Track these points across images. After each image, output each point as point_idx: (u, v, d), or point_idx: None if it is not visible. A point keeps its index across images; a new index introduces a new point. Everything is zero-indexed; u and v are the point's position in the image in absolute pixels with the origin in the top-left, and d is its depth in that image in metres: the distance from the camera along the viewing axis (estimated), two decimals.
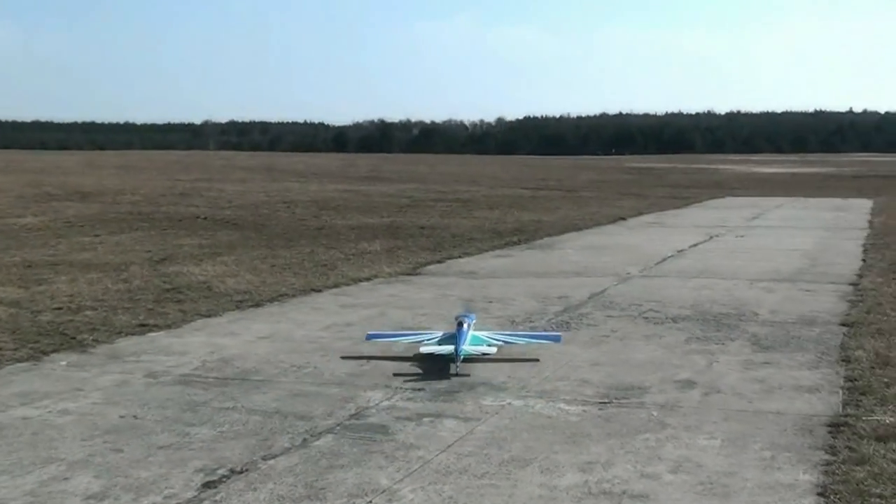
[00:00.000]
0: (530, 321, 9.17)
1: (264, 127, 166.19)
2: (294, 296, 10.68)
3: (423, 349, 7.43)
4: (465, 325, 7.59)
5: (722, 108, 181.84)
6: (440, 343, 7.50)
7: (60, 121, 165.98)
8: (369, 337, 7.96)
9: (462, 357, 7.07)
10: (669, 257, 14.55)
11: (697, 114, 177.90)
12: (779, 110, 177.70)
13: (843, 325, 8.88)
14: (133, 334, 8.33)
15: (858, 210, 26.26)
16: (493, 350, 7.41)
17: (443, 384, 6.68)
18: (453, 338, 7.42)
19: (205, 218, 21.13)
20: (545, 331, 8.51)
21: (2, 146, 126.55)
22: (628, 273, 12.62)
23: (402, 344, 7.78)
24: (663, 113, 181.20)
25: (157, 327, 8.64)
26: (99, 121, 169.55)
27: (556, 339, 7.80)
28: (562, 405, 6.16)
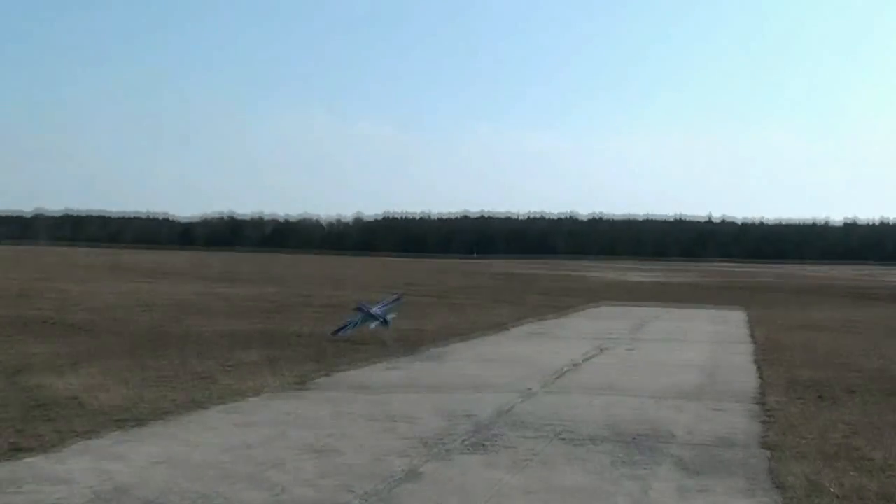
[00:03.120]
0: (441, 442, 9.07)
1: (103, 221, 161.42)
2: (179, 413, 10.25)
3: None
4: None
5: (584, 211, 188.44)
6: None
7: None
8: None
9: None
10: (566, 371, 14.78)
11: (560, 218, 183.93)
12: (640, 216, 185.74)
13: (764, 447, 9.17)
14: (6, 459, 7.77)
15: (736, 322, 27.48)
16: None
17: None
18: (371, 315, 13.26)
19: (54, 322, 20.17)
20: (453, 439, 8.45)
21: None
22: (530, 389, 12.72)
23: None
24: (525, 215, 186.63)
25: (33, 450, 8.10)
26: None
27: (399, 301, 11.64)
28: None
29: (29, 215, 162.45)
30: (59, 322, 20.28)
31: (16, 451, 8.07)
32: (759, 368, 15.83)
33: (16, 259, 63.33)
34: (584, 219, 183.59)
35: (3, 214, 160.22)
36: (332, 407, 10.99)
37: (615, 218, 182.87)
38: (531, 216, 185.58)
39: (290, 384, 12.63)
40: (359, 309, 18.72)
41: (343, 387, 12.67)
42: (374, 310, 18.47)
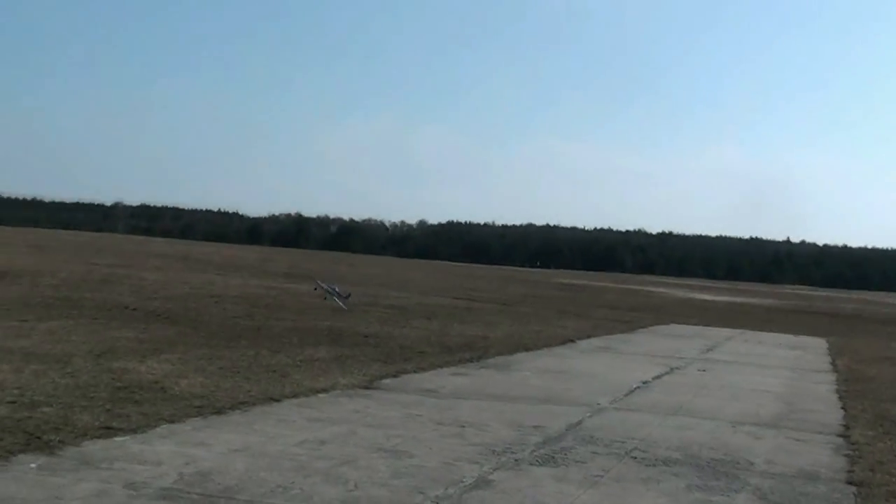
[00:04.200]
0: (511, 451, 9.23)
1: (177, 213, 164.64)
2: (254, 404, 10.60)
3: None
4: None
5: (654, 227, 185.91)
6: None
7: None
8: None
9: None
10: (636, 389, 14.81)
11: (627, 231, 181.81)
12: (713, 234, 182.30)
13: (850, 483, 8.97)
14: (99, 437, 8.17)
15: (815, 350, 26.91)
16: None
17: None
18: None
19: (135, 309, 20.78)
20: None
21: None
22: (599, 404, 12.81)
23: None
24: (592, 228, 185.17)
25: (122, 431, 8.48)
26: (3, 194, 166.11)
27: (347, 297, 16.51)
28: None
29: (108, 205, 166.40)
30: (140, 309, 20.89)
31: (107, 429, 8.46)
32: (841, 399, 15.42)
33: (98, 246, 65.05)
34: (653, 234, 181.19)
35: (85, 203, 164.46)
36: (401, 409, 11.23)
37: (686, 234, 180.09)
38: (598, 229, 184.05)
39: (358, 383, 12.92)
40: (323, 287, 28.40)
41: (411, 390, 12.91)
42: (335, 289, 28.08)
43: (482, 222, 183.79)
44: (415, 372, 14.74)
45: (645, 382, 15.73)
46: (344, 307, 24.20)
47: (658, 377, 16.76)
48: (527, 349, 19.86)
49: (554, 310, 36.91)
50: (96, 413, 9.05)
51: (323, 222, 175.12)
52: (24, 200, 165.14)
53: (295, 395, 11.44)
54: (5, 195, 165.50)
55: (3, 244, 53.18)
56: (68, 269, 33.35)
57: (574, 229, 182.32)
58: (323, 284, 28.62)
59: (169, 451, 7.97)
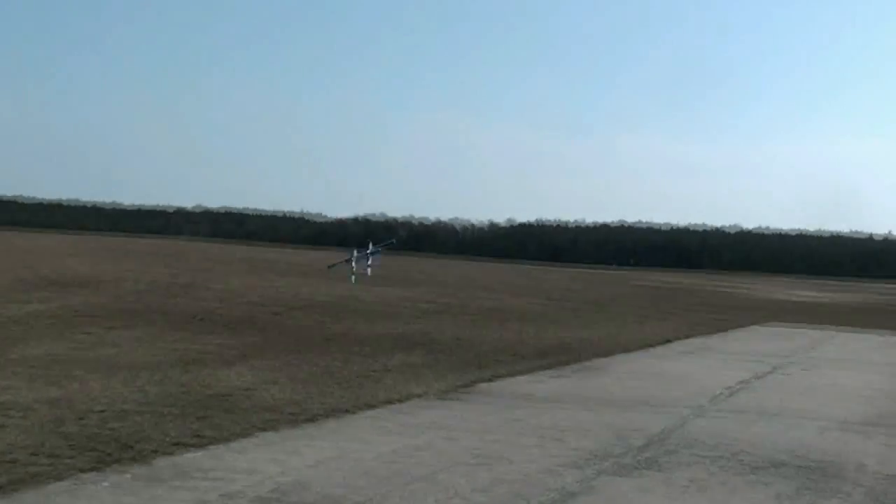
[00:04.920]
0: (613, 456, 9.07)
1: (259, 218, 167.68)
2: (348, 411, 10.63)
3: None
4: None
5: (748, 223, 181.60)
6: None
7: (40, 199, 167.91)
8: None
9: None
10: (738, 390, 14.50)
11: (722, 227, 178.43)
12: (810, 229, 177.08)
13: None
14: (192, 446, 8.26)
15: None
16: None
17: None
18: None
19: (220, 315, 21.11)
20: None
21: None
22: (701, 406, 12.55)
23: None
24: (684, 224, 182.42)
25: (216, 440, 8.56)
26: (83, 200, 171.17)
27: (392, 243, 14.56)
28: None
29: (190, 209, 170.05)
30: (225, 315, 21.21)
31: (200, 437, 8.55)
32: None
33: (179, 252, 66.45)
34: (748, 230, 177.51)
35: (149, 209, 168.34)
36: (499, 414, 11.15)
37: (783, 231, 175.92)
38: (689, 226, 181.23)
39: (454, 388, 12.88)
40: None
41: (507, 394, 12.82)
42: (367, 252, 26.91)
43: (566, 221, 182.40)
44: (510, 376, 14.66)
45: (746, 383, 15.39)
46: (359, 273, 24.28)
47: (760, 377, 16.39)
48: (623, 350, 19.60)
49: (649, 310, 36.39)
50: (188, 422, 9.16)
51: (391, 226, 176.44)
52: (104, 207, 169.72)
53: (389, 401, 11.45)
54: (86, 202, 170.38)
55: (85, 252, 54.73)
56: (151, 275, 34.10)
57: (664, 226, 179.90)
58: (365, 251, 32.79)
59: (264, 459, 8.02)
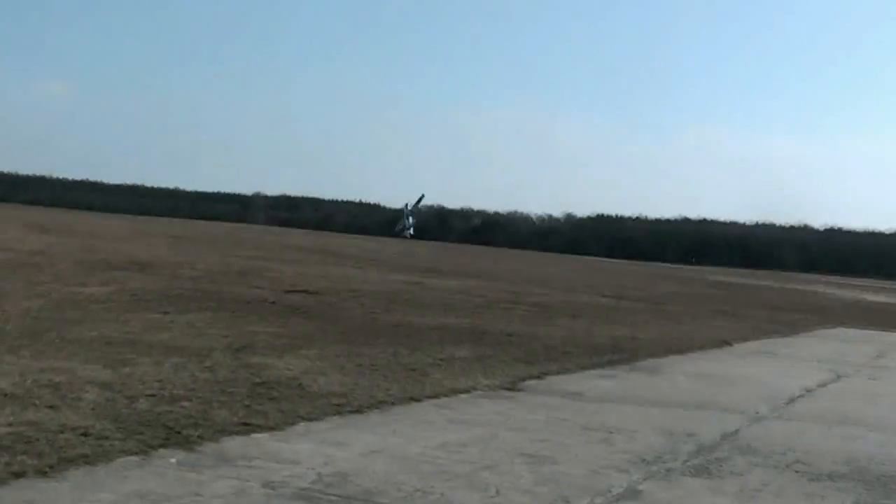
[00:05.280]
0: (661, 460, 9.06)
1: (316, 204, 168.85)
2: (394, 404, 10.74)
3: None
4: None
5: (818, 222, 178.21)
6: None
7: (108, 182, 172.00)
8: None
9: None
10: (799, 397, 14.35)
11: (790, 226, 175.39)
12: (885, 230, 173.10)
13: None
14: (237, 433, 8.43)
15: None
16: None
17: None
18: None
19: (273, 302, 21.39)
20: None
21: (50, 204, 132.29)
22: (758, 412, 12.45)
23: None
24: (751, 222, 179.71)
25: (261, 428, 8.72)
26: (148, 184, 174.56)
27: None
28: None
29: (248, 195, 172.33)
30: (278, 302, 21.49)
31: (245, 425, 8.72)
32: None
33: (236, 238, 67.42)
34: (818, 229, 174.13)
35: (226, 194, 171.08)
36: (546, 412, 11.18)
37: (856, 230, 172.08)
38: (757, 223, 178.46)
39: (501, 384, 12.93)
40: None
41: (555, 392, 12.84)
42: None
43: (632, 215, 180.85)
44: (559, 373, 14.67)
45: (809, 390, 15.20)
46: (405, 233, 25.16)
47: (823, 384, 16.18)
48: (679, 351, 19.47)
49: (708, 309, 36.06)
50: (235, 409, 9.34)
51: (465, 214, 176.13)
52: (165, 190, 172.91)
53: (435, 395, 11.54)
54: (148, 185, 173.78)
55: (145, 235, 55.79)
56: (207, 260, 34.63)
57: (731, 223, 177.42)
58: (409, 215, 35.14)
59: (307, 450, 8.16)
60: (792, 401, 13.88)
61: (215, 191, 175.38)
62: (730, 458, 9.43)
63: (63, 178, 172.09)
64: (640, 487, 7.97)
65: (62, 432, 7.70)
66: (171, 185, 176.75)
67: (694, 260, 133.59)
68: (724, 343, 22.34)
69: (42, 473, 6.64)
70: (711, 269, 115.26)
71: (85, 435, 7.69)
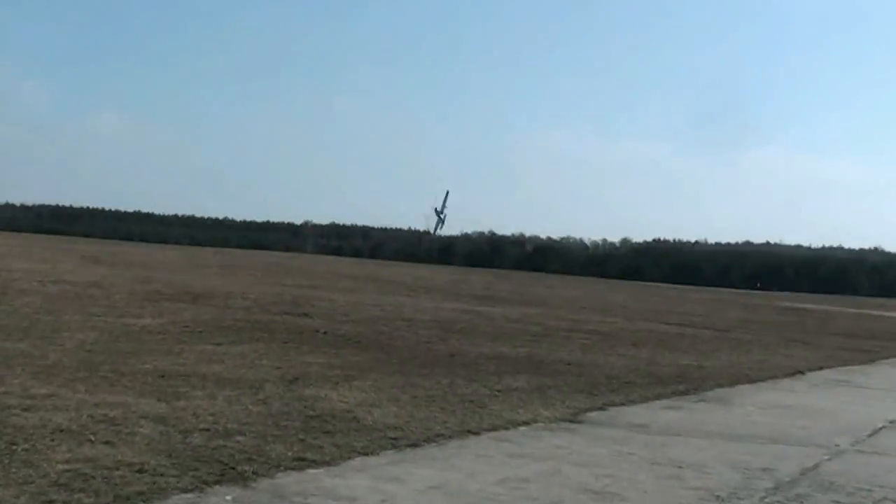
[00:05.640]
0: (737, 497, 8.86)
1: (366, 232, 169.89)
2: (451, 437, 10.67)
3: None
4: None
5: (892, 245, 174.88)
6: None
7: (160, 214, 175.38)
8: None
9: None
10: (881, 429, 13.99)
11: (861, 249, 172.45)
12: None
13: None
14: (292, 469, 8.42)
15: None
16: None
17: None
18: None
19: (325, 332, 21.45)
20: None
21: (103, 236, 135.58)
22: (837, 445, 12.15)
23: None
24: (819, 246, 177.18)
25: (316, 463, 8.70)
26: (197, 215, 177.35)
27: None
28: None
29: (298, 224, 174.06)
30: (330, 332, 21.54)
31: (300, 460, 8.70)
32: None
33: (288, 266, 67.93)
34: (891, 252, 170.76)
35: (276, 223, 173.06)
36: (610, 446, 11.01)
37: None
38: (826, 247, 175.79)
39: (562, 416, 12.79)
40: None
41: (620, 424, 12.66)
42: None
43: (692, 240, 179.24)
44: (623, 405, 14.48)
45: (892, 422, 14.81)
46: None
47: None
48: (749, 381, 19.13)
49: (778, 337, 35.46)
50: (290, 443, 9.33)
51: (518, 241, 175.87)
52: (215, 221, 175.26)
53: (494, 428, 11.44)
54: (199, 216, 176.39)
55: (197, 265, 56.43)
56: (259, 290, 34.90)
57: (798, 247, 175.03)
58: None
59: (363, 486, 8.10)
60: (874, 433, 13.53)
61: (265, 220, 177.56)
62: (810, 494, 9.19)
63: (116, 210, 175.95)
64: None
65: (118, 469, 7.76)
66: (221, 216, 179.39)
67: (759, 285, 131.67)
68: (797, 372, 21.91)
69: None
70: (779, 294, 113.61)
71: (140, 471, 7.74)
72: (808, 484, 9.69)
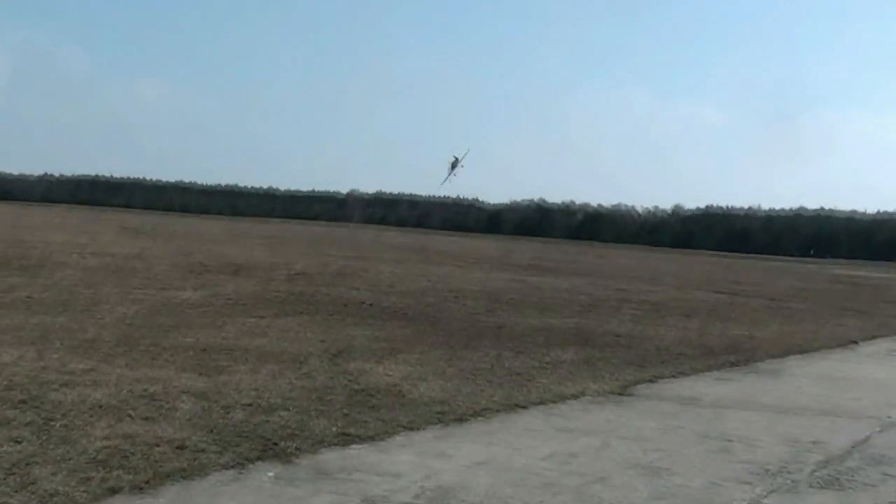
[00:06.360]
0: (787, 471, 8.72)
1: (412, 202, 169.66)
2: (498, 411, 10.61)
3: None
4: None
5: None
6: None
7: (202, 184, 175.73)
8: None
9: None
10: None
11: None
12: None
13: None
14: (335, 444, 8.40)
15: None
16: None
17: None
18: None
19: (370, 304, 21.46)
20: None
21: (143, 207, 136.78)
22: (890, 418, 11.94)
23: None
24: (875, 212, 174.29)
25: (360, 438, 8.68)
26: (241, 185, 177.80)
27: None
28: None
29: (343, 194, 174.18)
30: (376, 305, 21.55)
31: (344, 436, 8.68)
32: None
33: (333, 238, 68.19)
34: None
35: (320, 193, 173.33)
36: (659, 419, 10.90)
37: None
38: (882, 215, 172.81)
39: (610, 390, 12.68)
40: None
41: (669, 397, 12.53)
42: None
43: (745, 206, 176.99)
44: (673, 377, 14.34)
45: None
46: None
47: None
48: (801, 352, 18.87)
49: (831, 306, 34.96)
50: (333, 419, 9.31)
51: (568, 209, 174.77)
52: (259, 191, 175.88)
53: (541, 402, 11.36)
54: (242, 186, 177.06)
55: (240, 236, 56.81)
56: (303, 262, 35.02)
57: (853, 214, 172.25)
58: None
59: (408, 462, 8.07)
60: None
61: (310, 190, 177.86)
62: (861, 468, 9.03)
63: (156, 181, 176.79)
64: (765, 501, 7.69)
65: (157, 445, 7.77)
66: (265, 185, 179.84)
67: (813, 252, 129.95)
68: (851, 342, 21.58)
69: (138, 489, 6.68)
70: (833, 262, 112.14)
71: (180, 448, 7.74)
72: (859, 457, 9.54)
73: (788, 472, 8.69)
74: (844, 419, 11.68)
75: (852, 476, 8.70)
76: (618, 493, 7.56)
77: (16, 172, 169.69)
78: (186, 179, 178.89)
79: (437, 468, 7.91)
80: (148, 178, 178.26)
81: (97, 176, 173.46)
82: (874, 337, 23.49)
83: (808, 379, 15.19)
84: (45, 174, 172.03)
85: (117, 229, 55.65)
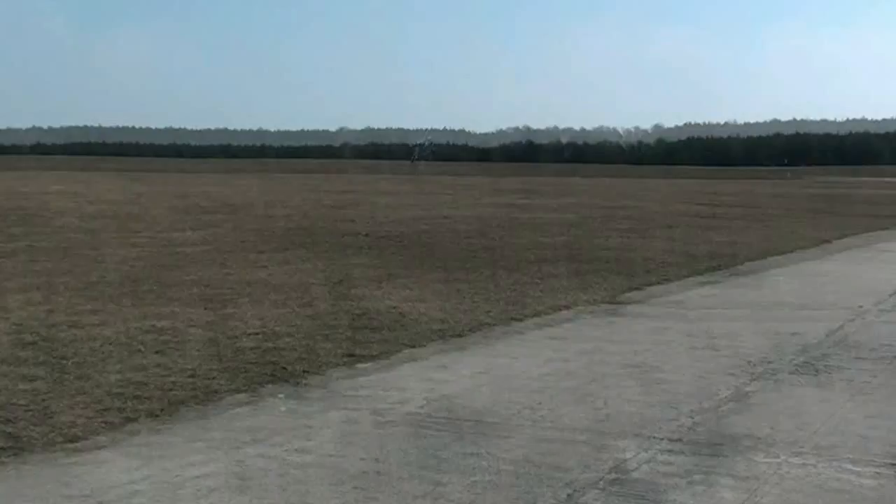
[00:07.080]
0: (768, 361, 8.83)
1: (401, 134, 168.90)
2: (495, 325, 10.68)
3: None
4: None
5: None
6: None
7: (192, 128, 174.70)
8: None
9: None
10: None
11: (885, 120, 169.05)
12: None
13: None
14: (342, 365, 8.45)
15: None
16: None
17: (700, 436, 6.46)
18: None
19: (366, 235, 21.47)
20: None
21: (137, 153, 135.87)
22: (861, 307, 12.08)
23: None
24: (844, 119, 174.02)
25: (364, 358, 8.74)
26: (231, 128, 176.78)
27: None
28: (849, 466, 5.84)
29: (333, 131, 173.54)
30: (372, 234, 21.56)
31: (349, 356, 8.74)
32: None
33: (325, 174, 67.86)
34: None
35: (311, 131, 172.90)
36: (647, 323, 11.02)
37: None
38: (851, 120, 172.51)
39: (601, 299, 12.78)
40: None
41: (656, 303, 12.64)
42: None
43: (721, 122, 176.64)
44: (659, 284, 14.46)
45: None
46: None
47: None
48: (779, 252, 19.05)
49: (806, 211, 35.11)
50: (338, 342, 9.36)
51: (552, 133, 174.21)
52: (251, 131, 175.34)
53: (536, 314, 11.44)
54: (232, 129, 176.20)
55: (232, 175, 56.46)
56: (299, 198, 34.96)
57: (824, 122, 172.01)
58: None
59: (412, 376, 8.15)
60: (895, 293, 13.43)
61: (300, 129, 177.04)
62: (835, 354, 9.19)
63: (146, 127, 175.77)
64: (748, 389, 7.79)
65: (170, 375, 7.80)
66: (255, 127, 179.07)
67: (787, 162, 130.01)
68: (824, 241, 21.73)
69: (154, 417, 6.73)
70: (808, 169, 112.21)
71: (192, 376, 7.77)
72: (834, 345, 9.69)
73: (769, 362, 8.80)
74: (820, 311, 11.84)
75: (827, 362, 8.83)
76: (611, 391, 7.66)
77: (3, 127, 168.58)
78: (176, 125, 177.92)
79: (440, 380, 8.00)
80: (138, 125, 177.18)
81: (87, 125, 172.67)
82: (844, 236, 23.64)
83: (786, 277, 15.33)
84: (34, 126, 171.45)
85: (112, 176, 55.23)
